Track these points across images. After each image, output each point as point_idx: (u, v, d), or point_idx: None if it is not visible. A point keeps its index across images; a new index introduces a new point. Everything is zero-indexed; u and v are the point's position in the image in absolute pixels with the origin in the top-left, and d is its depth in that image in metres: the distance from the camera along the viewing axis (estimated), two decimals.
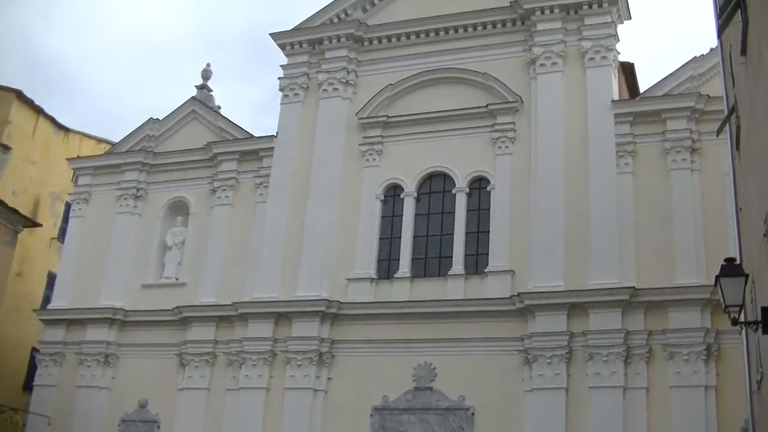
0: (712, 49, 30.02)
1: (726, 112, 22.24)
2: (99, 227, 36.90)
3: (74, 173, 38.83)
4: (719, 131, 23.32)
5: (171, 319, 34.06)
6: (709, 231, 28.43)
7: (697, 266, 28.09)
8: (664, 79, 31.19)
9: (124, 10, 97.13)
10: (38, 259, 42.44)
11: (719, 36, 21.35)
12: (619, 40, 32.57)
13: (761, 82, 14.68)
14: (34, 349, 37.18)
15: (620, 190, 29.96)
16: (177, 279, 35.23)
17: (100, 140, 46.91)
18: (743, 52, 16.70)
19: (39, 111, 43.60)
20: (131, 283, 35.58)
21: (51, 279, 40.46)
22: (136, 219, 36.58)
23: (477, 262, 31.47)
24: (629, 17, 33.27)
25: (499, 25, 33.98)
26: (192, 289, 34.50)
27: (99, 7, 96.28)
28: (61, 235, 41.36)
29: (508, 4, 33.59)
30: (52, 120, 44.44)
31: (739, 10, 15.85)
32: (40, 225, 39.93)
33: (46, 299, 39.57)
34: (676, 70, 31.13)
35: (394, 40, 35.49)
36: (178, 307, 33.81)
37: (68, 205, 40.17)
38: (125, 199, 36.74)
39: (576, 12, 32.70)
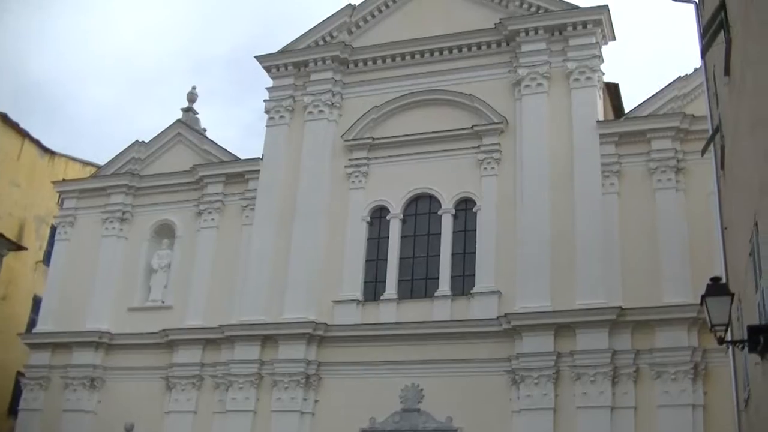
0: (696, 69, 30.19)
1: (710, 132, 22.36)
2: (85, 250, 36.78)
3: (60, 196, 38.73)
4: (704, 151, 23.42)
5: (157, 342, 33.92)
6: (695, 250, 28.49)
7: (684, 285, 28.14)
8: (648, 99, 31.35)
9: (110, 33, 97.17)
10: (23, 283, 42.26)
11: (703, 56, 21.48)
12: (603, 61, 32.74)
13: (744, 101, 14.77)
14: (20, 373, 37.00)
15: (606, 210, 30.04)
16: (163, 302, 35.12)
17: (85, 163, 46.80)
18: (726, 72, 16.81)
19: (24, 134, 43.51)
20: (117, 306, 35.44)
21: (36, 302, 40.28)
22: (122, 242, 36.48)
23: (463, 283, 31.45)
24: (614, 38, 33.43)
25: (484, 47, 34.11)
26: (178, 312, 34.39)
27: (84, 30, 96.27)
28: (47, 258, 41.19)
29: (493, 26, 33.74)
30: (38, 143, 44.35)
31: (723, 31, 15.96)
32: (25, 248, 39.78)
33: (32, 323, 39.40)
34: (661, 90, 31.31)
35: (379, 62, 35.58)
36: (164, 330, 33.69)
37: (54, 229, 40.08)
38: (111, 222, 36.65)
39: (560, 33, 32.85)
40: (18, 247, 38.93)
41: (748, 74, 13.99)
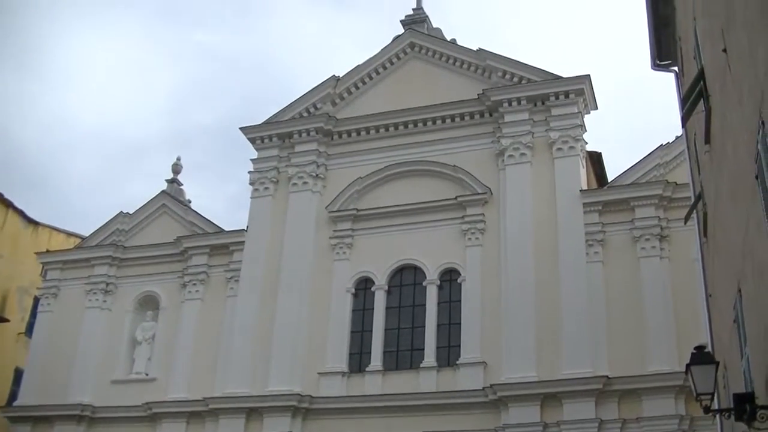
0: (677, 137, 30.45)
1: (693, 200, 22.45)
2: (68, 322, 36.52)
3: (43, 267, 38.56)
4: (687, 218, 23.51)
5: (141, 415, 33.57)
6: (681, 317, 28.50)
7: (669, 353, 28.10)
8: (631, 167, 31.59)
9: (95, 104, 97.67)
10: (5, 355, 41.81)
11: (684, 124, 21.64)
12: (586, 130, 33.03)
13: (725, 169, 14.86)
14: None
15: (590, 279, 30.08)
16: (147, 374, 34.83)
17: (69, 234, 46.69)
18: (707, 140, 16.92)
19: (8, 204, 43.44)
20: (100, 379, 35.11)
21: (18, 375, 39.80)
22: (106, 314, 36.27)
23: (449, 354, 31.32)
24: (596, 107, 33.74)
25: (467, 118, 34.37)
26: (162, 385, 34.08)
27: (69, 101, 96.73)
28: (29, 330, 40.85)
29: (476, 97, 34.03)
30: (21, 213, 44.26)
31: (702, 100, 16.10)
32: (7, 320, 39.52)
33: (13, 396, 38.88)
34: (643, 158, 31.57)
35: (363, 133, 35.79)
36: (147, 403, 33.36)
37: (36, 300, 39.80)
38: (95, 293, 36.48)
39: (543, 103, 33.15)
40: (0, 319, 38.63)
41: (728, 142, 14.10)
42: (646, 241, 30.03)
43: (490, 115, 33.94)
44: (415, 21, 38.27)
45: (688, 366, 16.66)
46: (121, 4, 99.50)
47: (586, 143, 33.15)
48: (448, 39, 37.40)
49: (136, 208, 38.14)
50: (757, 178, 11.03)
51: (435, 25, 38.65)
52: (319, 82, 36.75)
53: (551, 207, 31.59)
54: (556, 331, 29.67)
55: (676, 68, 23.12)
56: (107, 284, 36.57)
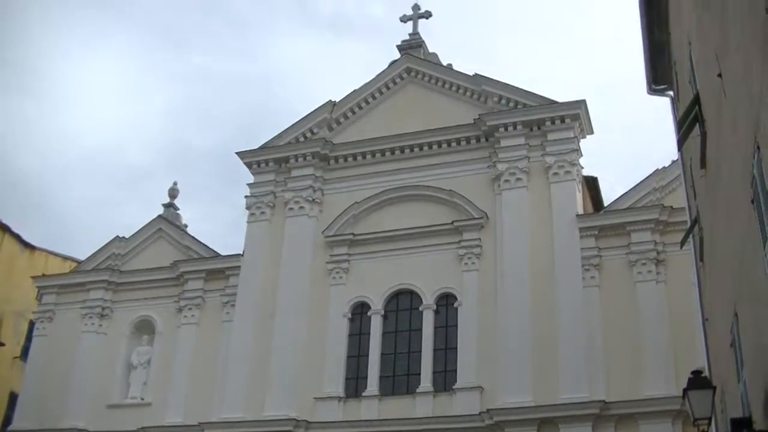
0: (673, 162, 30.50)
1: (689, 224, 22.47)
2: (63, 346, 36.41)
3: (39, 291, 38.48)
4: (683, 243, 23.51)
5: None
6: (678, 341, 28.46)
7: (666, 377, 28.05)
8: (627, 192, 31.65)
9: (91, 128, 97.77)
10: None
11: (679, 149, 21.70)
12: (581, 155, 33.09)
13: (721, 194, 14.89)
14: None
15: (587, 304, 30.06)
16: (142, 399, 34.73)
17: (65, 258, 46.60)
18: (703, 164, 16.96)
19: (4, 228, 43.37)
20: (96, 403, 34.97)
21: (13, 399, 39.64)
22: (101, 338, 36.17)
23: (445, 379, 31.26)
24: (591, 132, 33.83)
25: (463, 142, 34.43)
26: (158, 409, 33.96)
27: (66, 125, 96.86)
28: (24, 354, 40.69)
29: (472, 122, 34.09)
30: (18, 237, 44.19)
31: (698, 124, 16.14)
32: (2, 344, 39.37)
33: (7, 420, 38.68)
34: (639, 182, 31.64)
35: (359, 157, 35.82)
36: (143, 428, 33.26)
37: (32, 324, 39.67)
38: (90, 317, 36.40)
39: (539, 128, 33.22)
40: None
41: (723, 166, 14.13)
42: (643, 266, 30.04)
43: (486, 139, 34.01)
44: (412, 46, 38.40)
45: (685, 390, 16.65)
46: (119, 28, 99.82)
47: (582, 168, 33.23)
48: (444, 64, 37.52)
49: (133, 233, 38.12)
50: (752, 202, 11.04)
51: (431, 50, 38.77)
52: (316, 107, 36.83)
53: (547, 231, 31.60)
54: (552, 356, 29.61)
55: (671, 93, 23.19)
56: (103, 308, 36.50)
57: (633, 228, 30.67)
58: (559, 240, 31.29)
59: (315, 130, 36.63)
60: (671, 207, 30.18)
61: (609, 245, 30.94)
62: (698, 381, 16.70)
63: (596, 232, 31.15)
